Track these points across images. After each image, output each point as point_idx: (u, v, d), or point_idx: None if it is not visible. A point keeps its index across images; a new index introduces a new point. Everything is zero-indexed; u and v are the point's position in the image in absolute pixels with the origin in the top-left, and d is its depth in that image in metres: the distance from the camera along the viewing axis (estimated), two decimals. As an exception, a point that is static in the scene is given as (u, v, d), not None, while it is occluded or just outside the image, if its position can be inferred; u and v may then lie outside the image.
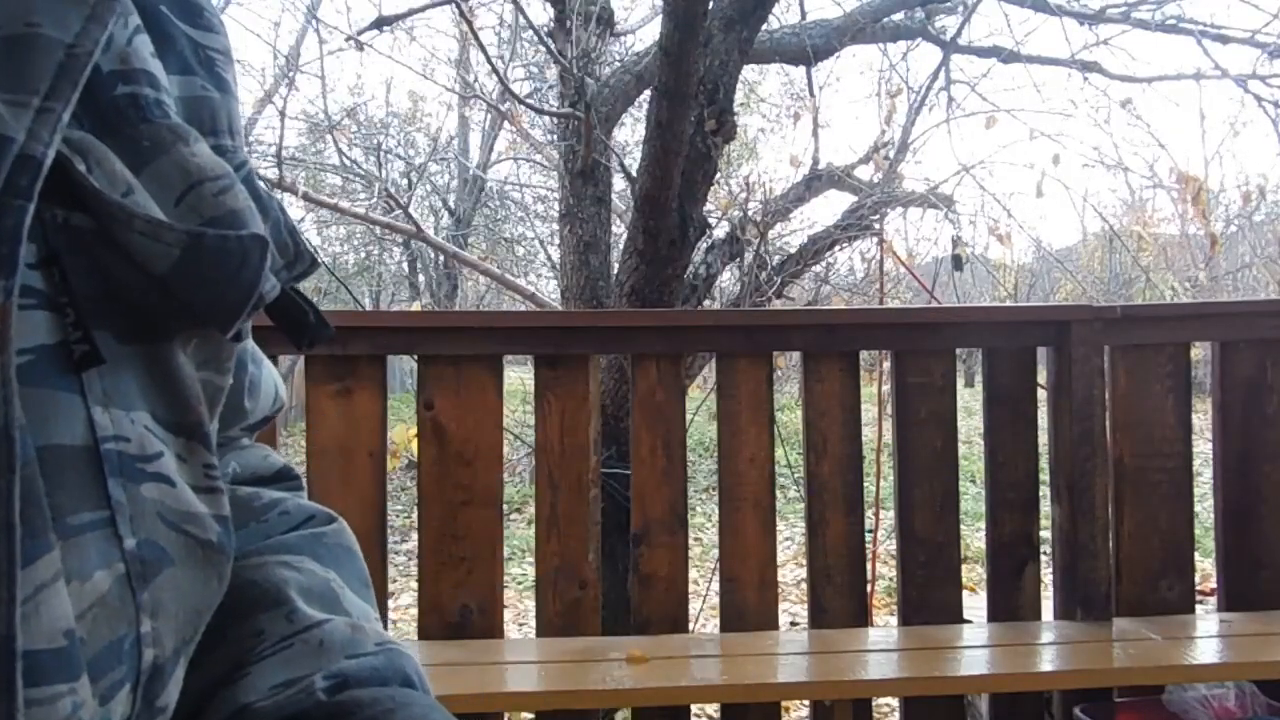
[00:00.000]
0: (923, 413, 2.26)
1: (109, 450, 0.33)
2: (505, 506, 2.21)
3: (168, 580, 0.35)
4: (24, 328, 0.30)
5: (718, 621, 2.25)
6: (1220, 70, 5.66)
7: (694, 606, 2.54)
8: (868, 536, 2.86)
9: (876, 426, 4.07)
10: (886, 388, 2.84)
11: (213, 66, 0.42)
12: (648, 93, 4.11)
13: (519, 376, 6.98)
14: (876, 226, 5.48)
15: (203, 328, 0.37)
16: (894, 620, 2.37)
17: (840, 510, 2.23)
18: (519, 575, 5.40)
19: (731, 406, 2.22)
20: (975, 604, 2.39)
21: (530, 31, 5.65)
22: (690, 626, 2.25)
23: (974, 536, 4.91)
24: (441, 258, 10.18)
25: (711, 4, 3.33)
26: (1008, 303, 8.76)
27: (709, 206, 4.72)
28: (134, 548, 0.34)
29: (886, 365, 2.85)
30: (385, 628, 2.03)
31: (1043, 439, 2.32)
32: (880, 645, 2.12)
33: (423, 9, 5.50)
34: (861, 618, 2.24)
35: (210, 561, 0.38)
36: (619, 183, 5.38)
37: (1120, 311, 2.27)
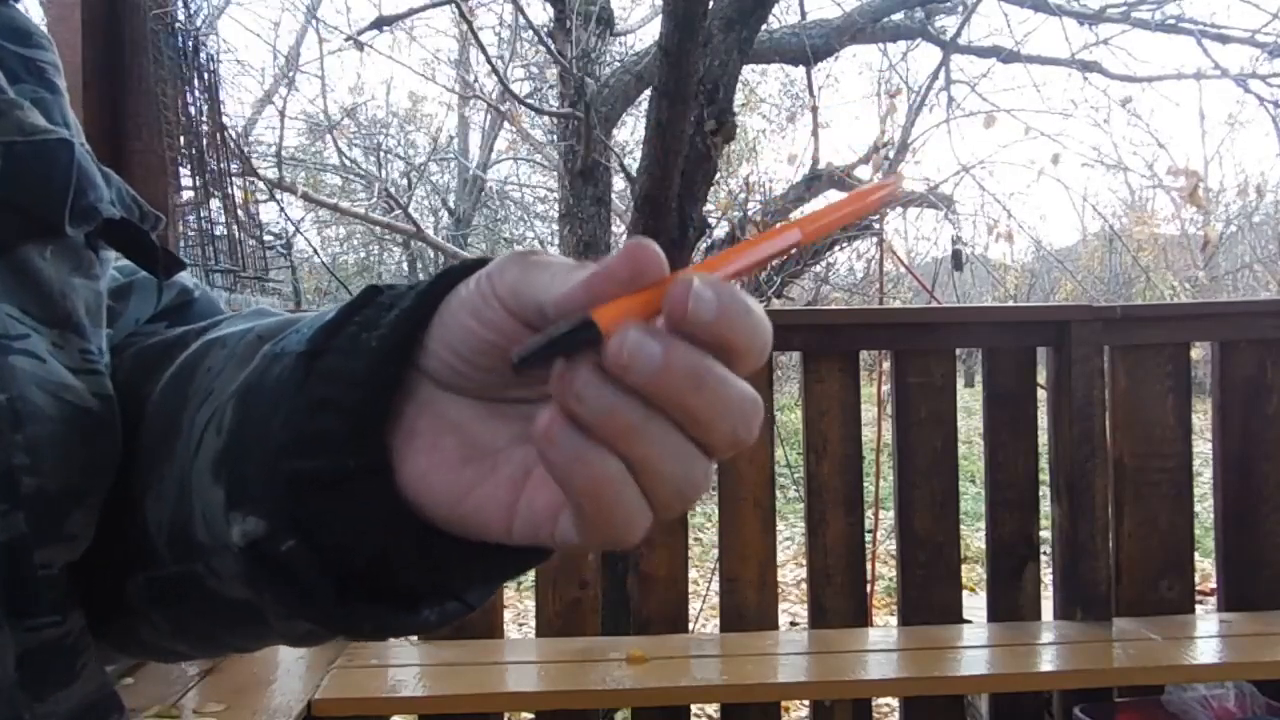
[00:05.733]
0: (923, 413, 2.26)
1: None
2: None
3: (46, 432, 0.41)
4: None
5: (718, 621, 2.25)
6: (1220, 70, 5.66)
7: (694, 606, 2.54)
8: (868, 536, 2.86)
9: (876, 426, 4.07)
10: (886, 388, 2.84)
11: (43, 75, 0.50)
12: (648, 93, 4.12)
13: (519, 376, 6.95)
14: (876, 226, 5.48)
15: (43, 232, 0.44)
16: (894, 620, 2.37)
17: (840, 510, 2.23)
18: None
19: (731, 406, 2.21)
20: (975, 604, 2.39)
21: (530, 31, 5.66)
22: (690, 626, 2.25)
23: (974, 536, 4.91)
24: (441, 258, 10.19)
25: (711, 4, 3.33)
26: (1008, 303, 8.76)
27: (709, 206, 4.72)
28: (4, 401, 0.39)
29: (886, 365, 2.85)
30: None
31: (1043, 439, 2.32)
32: (880, 645, 2.12)
33: (423, 9, 5.51)
34: (861, 618, 2.24)
35: (95, 426, 0.44)
36: (619, 183, 5.39)
37: (1120, 311, 2.27)
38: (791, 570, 5.37)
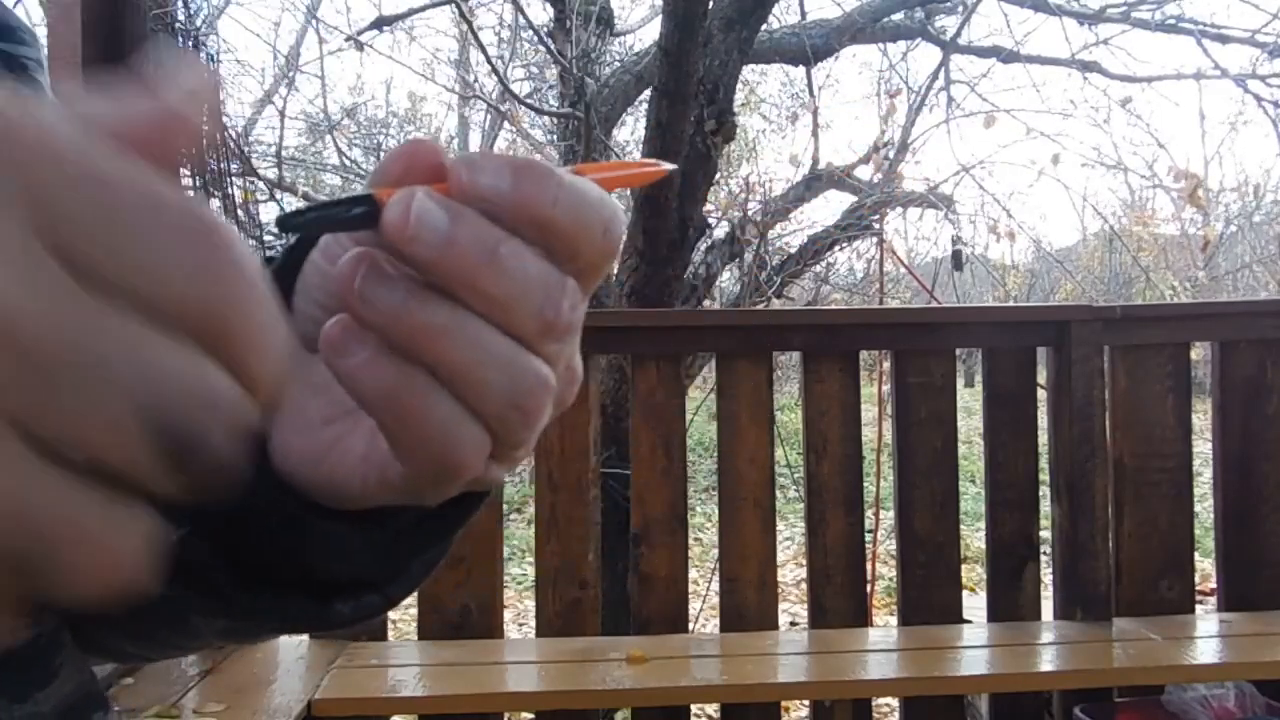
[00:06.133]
0: (923, 413, 2.26)
1: None
2: (505, 506, 2.21)
3: None
4: None
5: (718, 621, 2.25)
6: (1220, 70, 5.66)
7: (694, 606, 2.54)
8: (868, 536, 2.86)
9: (876, 426, 4.07)
10: (886, 388, 2.84)
11: (25, 70, 0.49)
12: (648, 93, 4.12)
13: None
14: (876, 226, 5.48)
15: None
16: (894, 620, 2.37)
17: (840, 510, 2.23)
18: (519, 575, 5.40)
19: (731, 407, 2.22)
20: (975, 604, 2.38)
21: (530, 31, 5.66)
22: (690, 626, 2.25)
23: (974, 536, 4.91)
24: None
25: (711, 4, 3.33)
26: (1008, 303, 8.76)
27: (709, 206, 4.72)
28: None
29: (886, 365, 2.85)
30: (387, 629, 2.02)
31: (1043, 439, 2.32)
32: (880, 645, 2.12)
33: (423, 9, 5.51)
34: (861, 618, 2.24)
35: None
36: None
37: (1120, 311, 2.27)
38: (791, 570, 5.37)
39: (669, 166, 0.36)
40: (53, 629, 0.43)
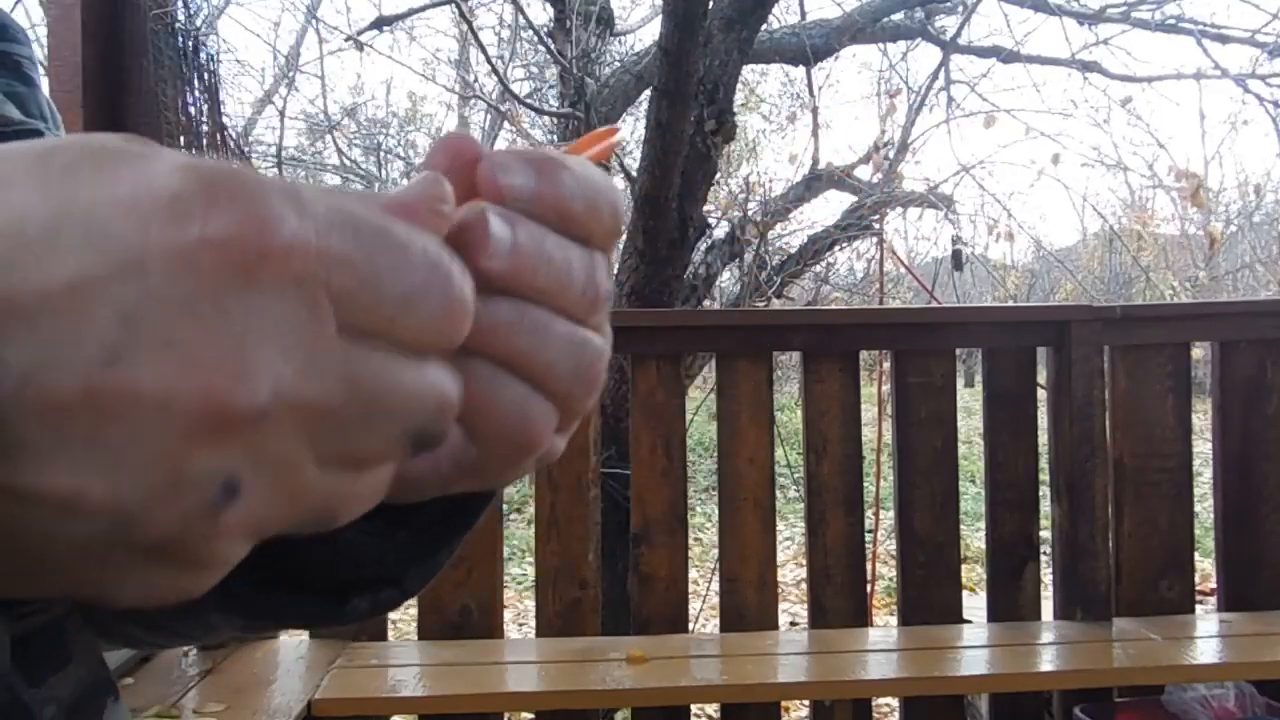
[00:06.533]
0: (923, 413, 2.26)
1: None
2: (505, 506, 2.22)
3: None
4: None
5: (718, 621, 2.25)
6: (1220, 70, 5.66)
7: (694, 606, 2.54)
8: (868, 536, 2.86)
9: (876, 426, 4.07)
10: (886, 388, 2.85)
11: (19, 69, 0.50)
12: (648, 93, 4.12)
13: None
14: (876, 226, 5.48)
15: None
16: (894, 620, 2.37)
17: (840, 510, 2.23)
18: (519, 575, 5.40)
19: (731, 406, 2.22)
20: (975, 604, 2.38)
21: (530, 31, 5.66)
22: (690, 626, 2.25)
23: (974, 536, 4.91)
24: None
25: (711, 4, 3.33)
26: (1008, 303, 8.76)
27: (709, 206, 4.72)
28: None
29: (886, 365, 2.85)
30: (387, 629, 2.01)
31: (1043, 439, 2.33)
32: (880, 645, 2.12)
33: (423, 9, 5.51)
34: (861, 618, 2.24)
35: None
36: (619, 183, 5.38)
37: (1120, 311, 2.27)
38: (791, 570, 5.37)
39: (616, 127, 0.39)
40: (66, 610, 0.43)
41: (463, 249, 0.26)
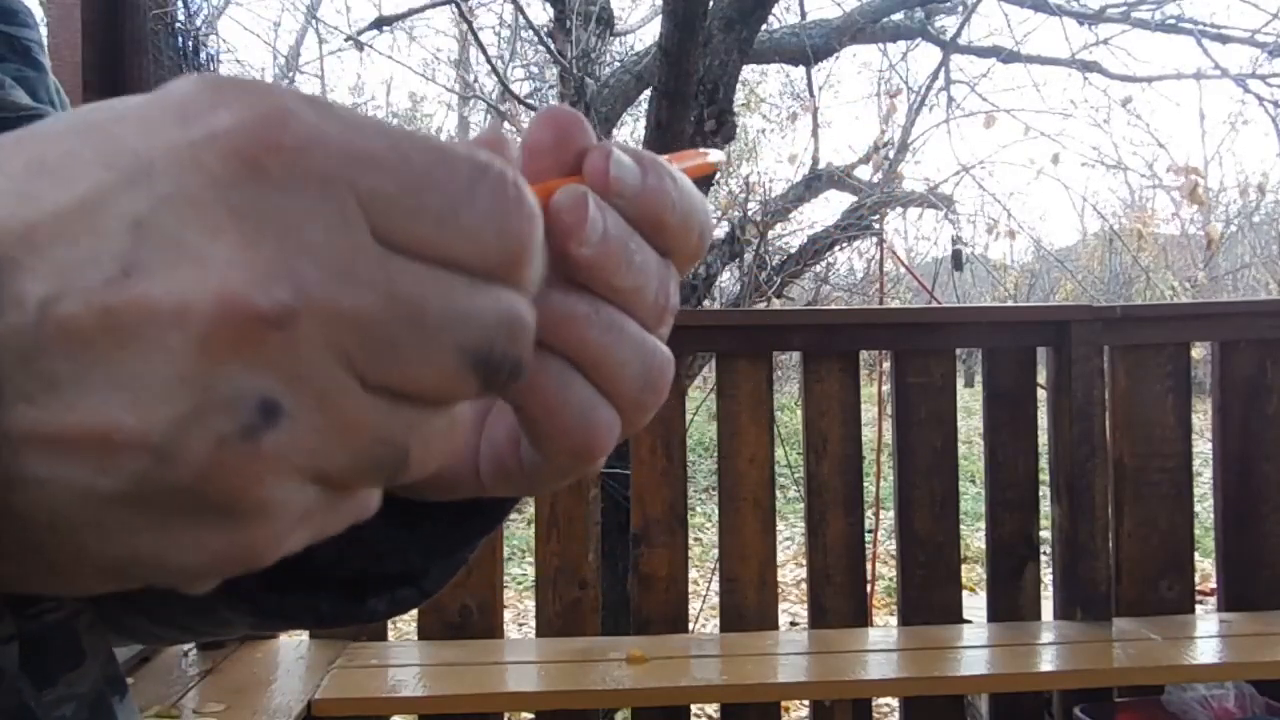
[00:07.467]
0: (923, 413, 2.26)
1: None
2: (505, 506, 2.21)
3: None
4: None
5: (718, 621, 2.25)
6: (1220, 70, 5.66)
7: (694, 606, 2.54)
8: (868, 536, 2.86)
9: (876, 426, 4.07)
10: (886, 388, 2.85)
11: (28, 53, 0.49)
12: (648, 93, 4.11)
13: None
14: (876, 226, 5.48)
15: None
16: (894, 620, 2.37)
17: (840, 510, 2.23)
18: (519, 575, 5.40)
19: (731, 406, 2.22)
20: (975, 604, 2.39)
21: (530, 31, 5.66)
22: (690, 626, 2.25)
23: (974, 536, 4.91)
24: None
25: (711, 4, 3.33)
26: (1008, 303, 8.76)
27: (708, 206, 4.71)
28: None
29: (886, 365, 2.85)
30: (387, 629, 2.01)
31: (1043, 439, 2.33)
32: (880, 645, 2.12)
33: (423, 9, 5.51)
34: (861, 618, 2.24)
35: None
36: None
37: (1120, 311, 2.27)
38: (791, 570, 5.37)
39: (717, 156, 0.38)
40: (78, 608, 0.42)
41: (554, 230, 0.25)
